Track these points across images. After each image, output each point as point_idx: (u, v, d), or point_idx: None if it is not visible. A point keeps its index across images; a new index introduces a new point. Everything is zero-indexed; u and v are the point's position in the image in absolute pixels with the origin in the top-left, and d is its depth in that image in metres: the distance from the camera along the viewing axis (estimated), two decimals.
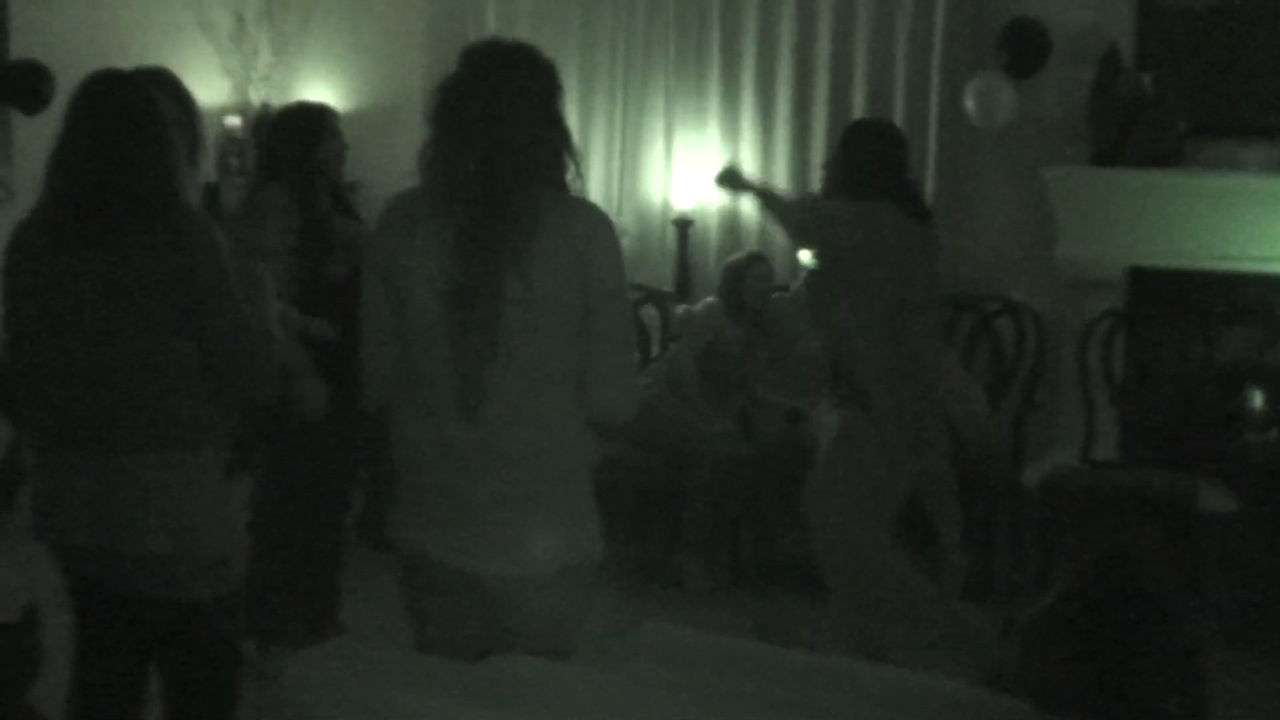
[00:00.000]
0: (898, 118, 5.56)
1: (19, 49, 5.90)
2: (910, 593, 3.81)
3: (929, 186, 5.53)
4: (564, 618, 2.46)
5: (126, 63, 3.20)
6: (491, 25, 6.34)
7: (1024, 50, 5.19)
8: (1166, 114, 5.07)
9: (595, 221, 2.41)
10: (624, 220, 6.08)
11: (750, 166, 5.91)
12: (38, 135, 5.78)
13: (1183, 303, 5.09)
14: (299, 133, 3.99)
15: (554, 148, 2.41)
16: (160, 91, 3.07)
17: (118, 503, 2.51)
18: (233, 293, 2.55)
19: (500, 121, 2.34)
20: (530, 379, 2.34)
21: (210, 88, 6.46)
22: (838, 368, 3.78)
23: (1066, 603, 1.89)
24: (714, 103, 5.97)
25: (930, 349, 3.86)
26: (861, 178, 3.74)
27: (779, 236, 5.06)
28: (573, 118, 6.10)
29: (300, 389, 3.51)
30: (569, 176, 2.43)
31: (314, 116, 4.10)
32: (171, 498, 2.52)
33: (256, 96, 6.68)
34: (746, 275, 5.24)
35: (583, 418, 2.43)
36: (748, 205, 5.94)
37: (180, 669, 2.65)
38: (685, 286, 5.95)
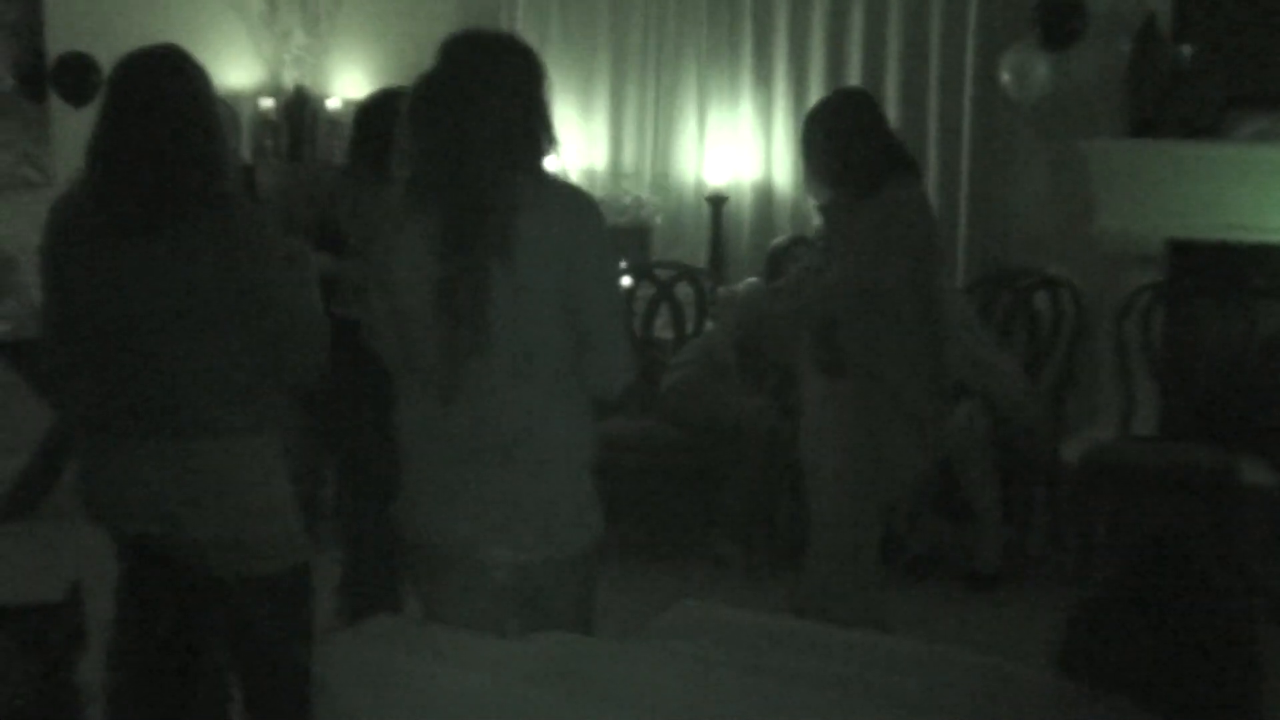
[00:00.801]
0: (932, 92, 5.53)
1: (55, 38, 5.95)
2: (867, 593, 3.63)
3: (964, 161, 5.50)
4: (580, 600, 2.52)
5: None
6: (523, 5, 6.33)
7: (1060, 22, 5.14)
8: (1205, 85, 5.00)
9: (576, 203, 2.43)
10: (657, 199, 6.08)
11: (784, 143, 5.89)
12: (76, 121, 5.86)
13: (1222, 276, 5.04)
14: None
15: (532, 134, 2.40)
16: None
17: (184, 489, 2.51)
18: (285, 279, 2.55)
19: (472, 112, 2.33)
20: (518, 365, 2.36)
21: (243, 70, 6.50)
22: (826, 337, 3.54)
23: (1119, 586, 1.87)
24: (747, 80, 5.95)
25: (935, 325, 3.64)
26: (866, 163, 3.48)
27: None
28: (605, 97, 6.16)
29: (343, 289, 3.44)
30: (548, 160, 2.45)
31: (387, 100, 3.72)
32: (236, 481, 2.53)
33: (289, 79, 6.70)
34: (787, 256, 5.24)
35: (576, 400, 2.45)
36: (782, 180, 5.93)
37: (252, 646, 2.66)
38: (719, 264, 5.94)
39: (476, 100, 2.34)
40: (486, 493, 2.39)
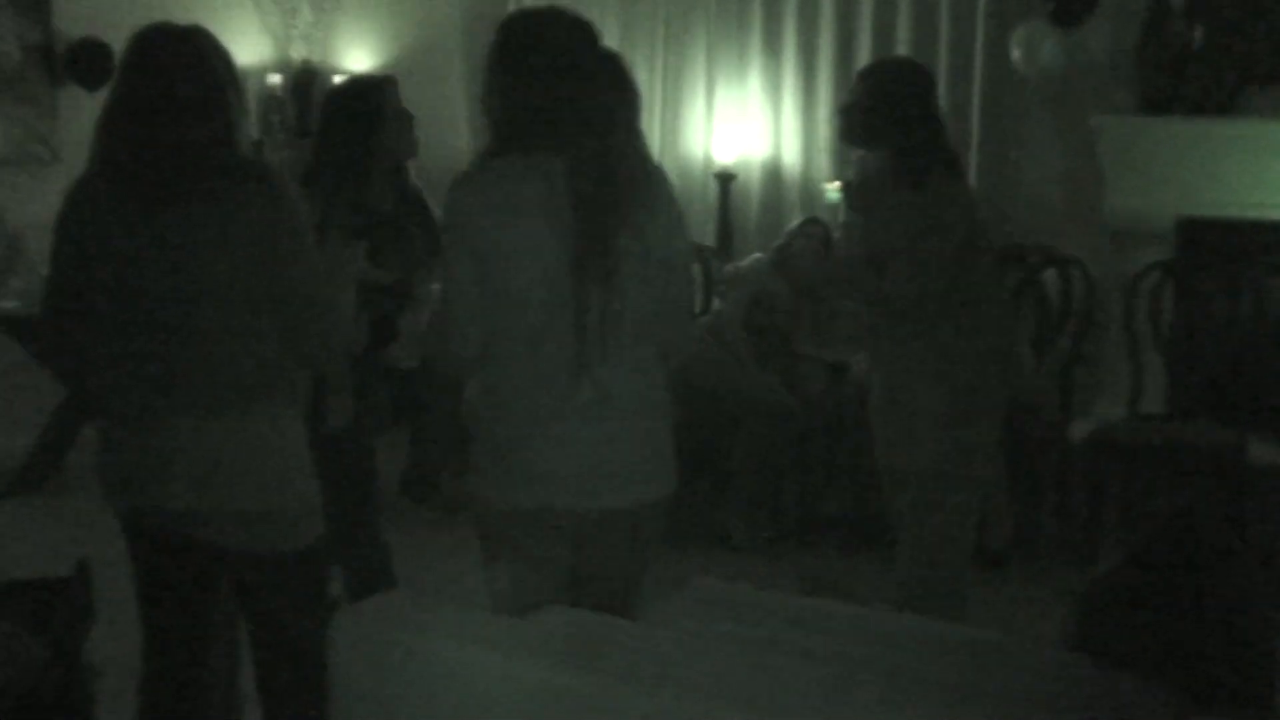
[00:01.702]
0: (942, 68, 5.50)
1: (64, 15, 5.94)
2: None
3: (974, 138, 5.47)
4: (654, 545, 2.69)
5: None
6: None
7: None
8: (1216, 62, 4.97)
9: (665, 177, 2.64)
10: None
11: (792, 120, 5.87)
12: (84, 99, 5.86)
13: (1232, 254, 5.01)
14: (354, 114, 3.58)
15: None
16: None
17: (212, 464, 2.50)
18: (309, 253, 2.54)
19: (607, 86, 2.53)
20: (639, 329, 2.52)
21: (251, 46, 6.48)
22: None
23: (1133, 564, 1.87)
24: (755, 56, 5.93)
25: (991, 298, 3.55)
26: (913, 155, 3.36)
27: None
28: None
29: (334, 403, 3.43)
30: None
31: (371, 90, 3.66)
32: (263, 455, 2.52)
33: (296, 54, 6.69)
34: (799, 234, 5.25)
35: (661, 361, 2.62)
36: (790, 158, 5.91)
37: (272, 621, 2.65)
38: (727, 241, 5.93)
39: (610, 74, 2.54)
40: (607, 448, 2.52)
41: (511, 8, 6.29)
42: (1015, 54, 5.22)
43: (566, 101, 2.45)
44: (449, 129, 6.32)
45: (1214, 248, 5.05)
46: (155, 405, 2.50)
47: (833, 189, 5.36)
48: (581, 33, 2.53)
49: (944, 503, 3.40)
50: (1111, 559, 1.91)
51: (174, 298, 2.46)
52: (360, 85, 3.83)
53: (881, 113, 3.38)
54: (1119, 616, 1.85)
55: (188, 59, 2.49)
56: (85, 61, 5.89)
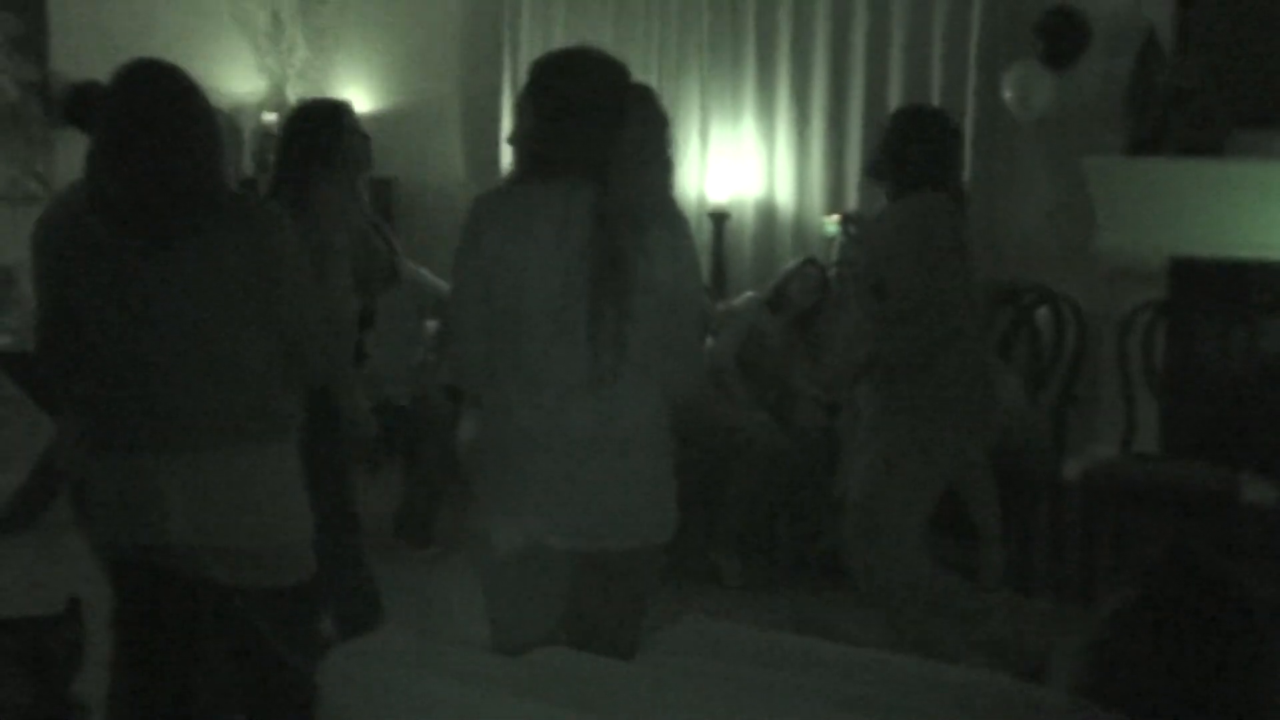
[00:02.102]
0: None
1: (59, 58, 5.98)
2: (943, 587, 3.78)
3: (966, 176, 5.49)
4: (652, 589, 2.66)
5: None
6: (526, 19, 6.35)
7: (1063, 39, 5.15)
8: (1207, 103, 5.00)
9: (679, 211, 2.64)
10: None
11: (786, 159, 5.90)
12: (79, 136, 5.87)
13: (1224, 293, 5.03)
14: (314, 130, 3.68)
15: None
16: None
17: (203, 500, 2.48)
18: (306, 281, 2.58)
19: (634, 121, 2.55)
20: (645, 358, 2.50)
21: (247, 84, 6.51)
22: (874, 354, 3.74)
23: (1144, 604, 1.85)
24: (749, 96, 5.96)
25: (975, 339, 3.82)
26: (912, 168, 3.70)
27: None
28: None
29: (346, 406, 3.42)
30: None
31: (329, 110, 3.79)
32: (256, 490, 2.52)
33: (293, 93, 6.71)
34: (796, 274, 5.27)
35: (663, 397, 2.58)
36: (784, 197, 5.93)
37: (258, 659, 2.62)
38: (721, 280, 5.94)
39: (658, 110, 2.62)
40: (607, 486, 2.50)
41: (506, 47, 6.34)
42: (1007, 95, 5.25)
43: (596, 137, 2.48)
44: (446, 164, 6.36)
45: (1206, 288, 5.07)
46: (146, 440, 2.49)
47: (830, 222, 5.38)
48: (612, 70, 2.59)
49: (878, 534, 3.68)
50: (1116, 600, 1.89)
51: (165, 333, 2.46)
52: (320, 106, 3.93)
53: (887, 151, 3.73)
54: (1127, 659, 1.83)
55: (163, 93, 2.53)
56: (85, 106, 5.90)
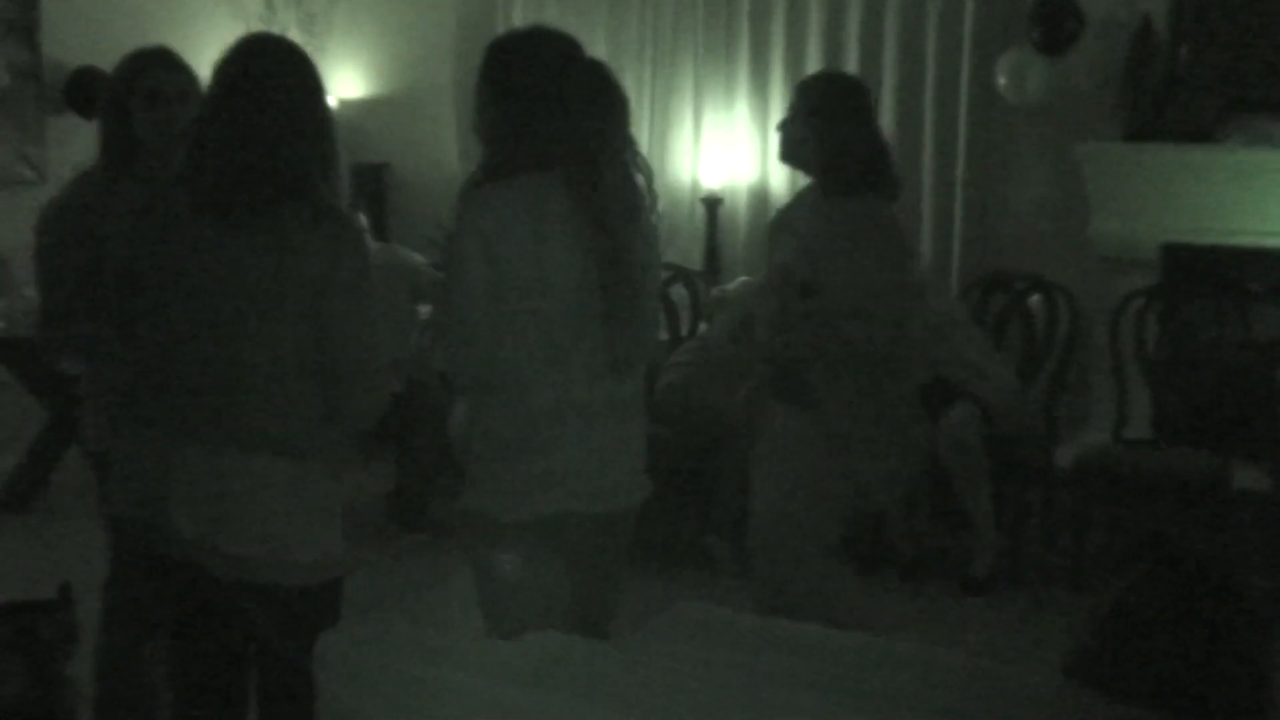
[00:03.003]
0: (928, 94, 5.53)
1: (51, 46, 5.97)
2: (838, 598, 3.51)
3: (960, 163, 5.50)
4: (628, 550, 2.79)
5: None
6: (520, 2, 6.33)
7: (1057, 25, 5.14)
8: (1201, 89, 5.01)
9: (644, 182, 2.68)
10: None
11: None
12: (70, 121, 5.86)
13: (1217, 280, 5.04)
14: None
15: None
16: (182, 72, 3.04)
17: (222, 501, 2.39)
18: (369, 305, 2.41)
19: (619, 103, 2.60)
20: (642, 334, 2.63)
21: None
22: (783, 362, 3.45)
23: (1135, 593, 1.85)
24: (743, 81, 5.95)
25: (904, 351, 3.47)
26: (844, 169, 3.33)
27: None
28: None
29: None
30: None
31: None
32: (273, 504, 2.40)
33: None
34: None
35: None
36: (777, 183, 5.93)
37: (271, 653, 2.52)
38: (714, 265, 5.94)
39: (612, 85, 2.59)
40: (616, 453, 2.62)
41: (502, 29, 6.32)
42: (1001, 81, 5.25)
43: (554, 118, 2.49)
44: (439, 150, 6.35)
45: (1199, 274, 5.08)
46: (182, 433, 2.40)
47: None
48: (564, 47, 2.58)
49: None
50: (1108, 585, 1.90)
51: (219, 325, 2.36)
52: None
53: (814, 130, 3.34)
54: (1122, 645, 1.84)
55: (298, 80, 2.41)
56: (84, 91, 5.89)
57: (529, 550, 2.58)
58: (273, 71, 2.39)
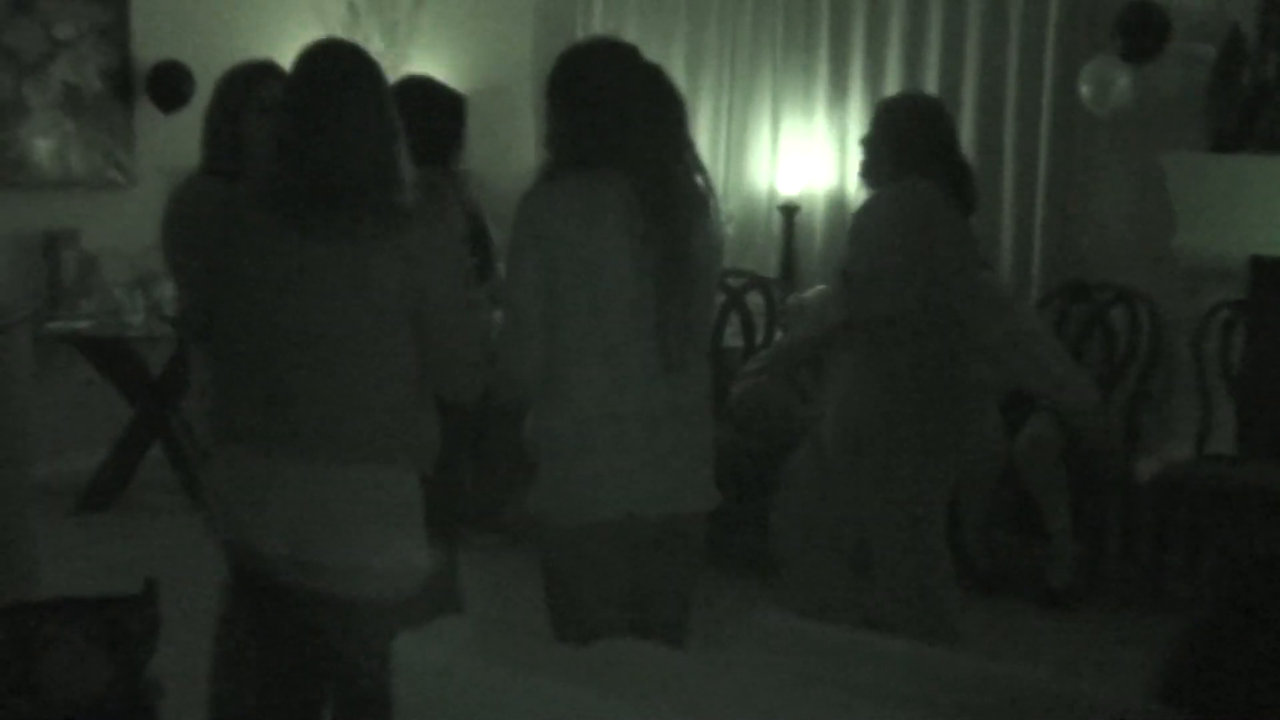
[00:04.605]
0: (1010, 104, 5.47)
1: (142, 44, 6.08)
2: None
3: (1041, 173, 5.43)
4: (701, 557, 2.80)
5: (245, 53, 3.24)
6: (599, 10, 6.36)
7: (1142, 33, 5.07)
8: None
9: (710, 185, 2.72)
10: (729, 206, 6.08)
11: (858, 152, 5.85)
12: (160, 125, 5.97)
13: None
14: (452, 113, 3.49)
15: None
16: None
17: (312, 514, 2.40)
18: (458, 294, 2.44)
19: (672, 100, 2.64)
20: (698, 335, 2.66)
21: None
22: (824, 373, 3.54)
23: (1230, 613, 1.82)
24: (821, 89, 5.93)
25: (956, 359, 3.44)
26: (899, 158, 3.43)
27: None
28: None
29: None
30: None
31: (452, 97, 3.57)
32: (364, 513, 2.41)
33: None
34: None
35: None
36: (855, 191, 5.89)
37: (349, 668, 2.53)
38: (790, 273, 5.92)
39: (670, 89, 2.64)
40: (678, 455, 2.61)
41: (581, 35, 6.35)
42: (1084, 90, 5.19)
43: (612, 122, 2.53)
44: (520, 155, 6.38)
45: None
46: (260, 437, 2.42)
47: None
48: (623, 54, 2.64)
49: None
50: (1201, 604, 1.86)
51: (308, 334, 2.36)
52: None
53: (884, 151, 3.45)
54: (1211, 666, 1.80)
55: (368, 84, 2.42)
56: (164, 84, 6.01)
57: (593, 554, 2.58)
58: (338, 78, 2.41)
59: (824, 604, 3.45)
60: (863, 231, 3.43)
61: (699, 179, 2.65)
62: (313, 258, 2.35)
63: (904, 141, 3.45)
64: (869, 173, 3.56)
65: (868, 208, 3.47)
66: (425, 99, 3.37)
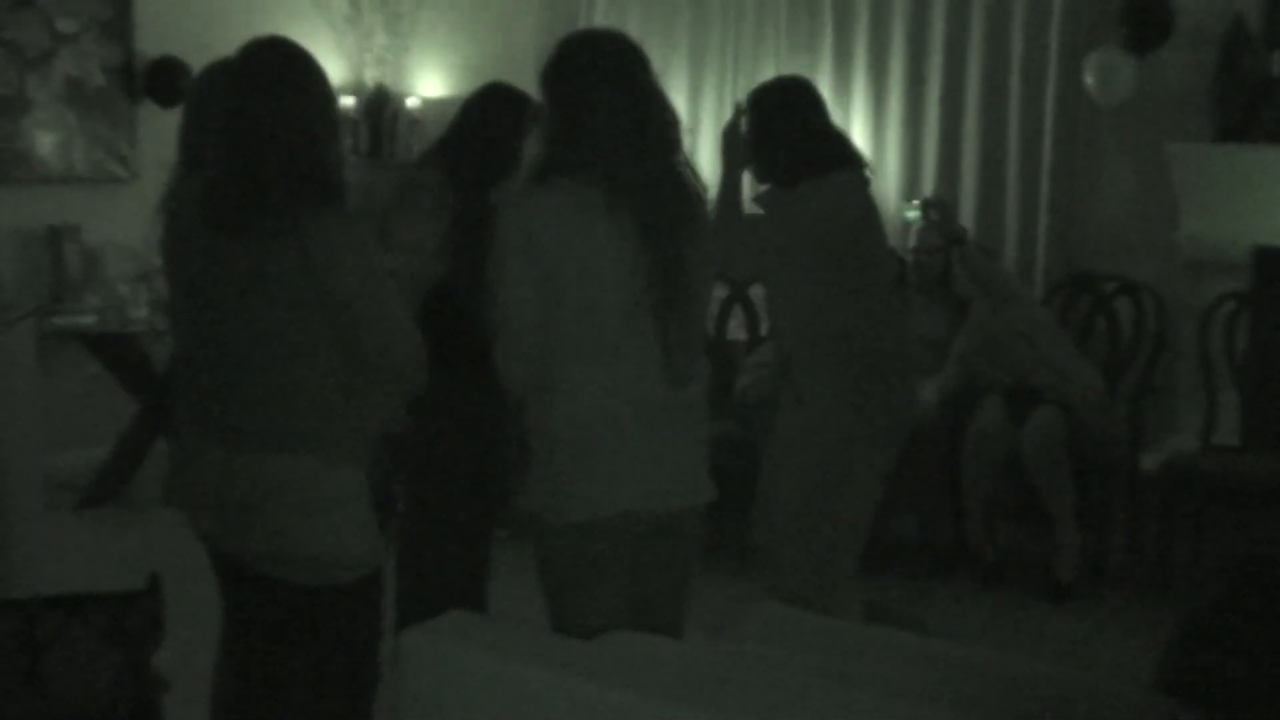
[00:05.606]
0: (1015, 94, 5.46)
1: (145, 39, 6.08)
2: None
3: (1046, 164, 5.42)
4: (699, 552, 2.79)
5: None
6: (602, 6, 6.35)
7: (1146, 24, 5.06)
8: None
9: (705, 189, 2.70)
10: None
11: (863, 146, 5.86)
12: (163, 120, 5.97)
13: None
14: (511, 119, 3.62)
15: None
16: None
17: (232, 497, 2.46)
18: (379, 288, 2.44)
19: (659, 106, 2.59)
20: (698, 335, 2.67)
21: (326, 69, 6.57)
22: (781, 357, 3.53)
23: (1235, 604, 1.81)
24: (826, 82, 5.90)
25: (879, 316, 3.49)
26: (806, 154, 3.45)
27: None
28: (682, 99, 6.13)
29: None
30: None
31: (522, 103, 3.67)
32: (280, 502, 2.44)
33: (370, 78, 6.77)
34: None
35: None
36: None
37: (309, 651, 2.58)
38: None
39: (659, 95, 2.60)
40: (678, 452, 2.62)
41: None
42: (1089, 80, 5.18)
43: (595, 121, 2.51)
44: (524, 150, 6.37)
45: None
46: (206, 433, 2.50)
47: (912, 207, 5.32)
48: (611, 48, 2.62)
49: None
50: (1199, 595, 1.86)
51: (222, 329, 2.44)
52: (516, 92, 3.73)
53: (750, 135, 3.51)
54: (1213, 657, 1.80)
55: (298, 80, 2.44)
56: (163, 80, 6.01)
57: (591, 552, 2.58)
58: (264, 74, 2.42)
59: (798, 589, 3.40)
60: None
61: (690, 179, 2.62)
62: (222, 254, 2.41)
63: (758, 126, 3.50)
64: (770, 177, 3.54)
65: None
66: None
